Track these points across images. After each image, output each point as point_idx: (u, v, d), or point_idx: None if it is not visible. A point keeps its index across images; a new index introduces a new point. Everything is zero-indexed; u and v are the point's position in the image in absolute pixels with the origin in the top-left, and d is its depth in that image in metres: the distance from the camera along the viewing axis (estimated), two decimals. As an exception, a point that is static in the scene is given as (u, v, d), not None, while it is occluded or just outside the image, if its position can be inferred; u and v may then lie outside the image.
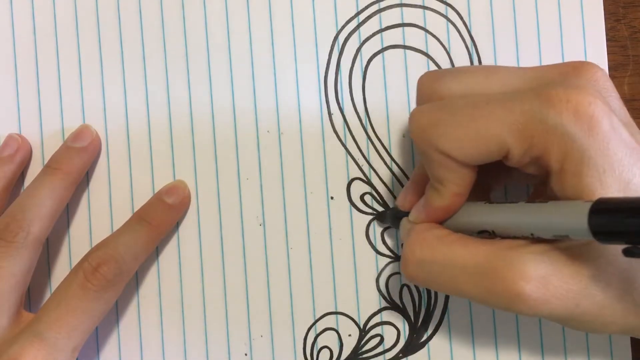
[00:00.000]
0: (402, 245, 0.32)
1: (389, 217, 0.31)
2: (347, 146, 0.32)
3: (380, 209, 0.32)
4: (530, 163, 0.23)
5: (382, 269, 0.32)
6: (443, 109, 0.24)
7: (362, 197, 0.32)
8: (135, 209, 0.32)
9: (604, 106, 0.22)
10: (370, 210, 0.32)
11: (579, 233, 0.20)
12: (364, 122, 0.33)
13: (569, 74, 0.24)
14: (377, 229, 0.32)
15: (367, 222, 0.32)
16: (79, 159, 0.31)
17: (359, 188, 0.32)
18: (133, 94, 0.33)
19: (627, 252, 0.19)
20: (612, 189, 0.21)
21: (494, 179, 0.28)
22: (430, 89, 0.26)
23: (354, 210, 0.32)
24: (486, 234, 0.25)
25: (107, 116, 0.33)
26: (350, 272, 0.32)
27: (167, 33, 0.33)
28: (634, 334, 0.24)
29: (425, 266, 0.24)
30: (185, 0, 0.33)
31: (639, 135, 0.23)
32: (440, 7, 0.32)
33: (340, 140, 0.32)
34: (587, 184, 0.21)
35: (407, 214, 0.28)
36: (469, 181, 0.24)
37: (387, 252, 0.32)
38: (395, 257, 0.32)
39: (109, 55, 0.33)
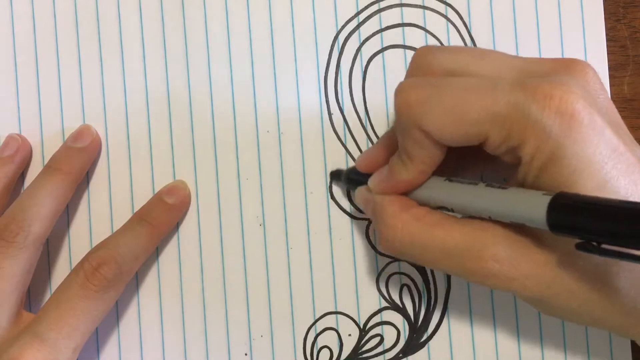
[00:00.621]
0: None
1: (344, 177, 0.31)
2: (347, 146, 0.32)
3: (380, 209, 0.32)
4: (506, 152, 0.23)
5: (382, 269, 0.32)
6: (431, 88, 0.24)
7: (362, 197, 0.32)
8: (136, 209, 0.32)
9: (588, 106, 0.22)
10: (370, 210, 0.32)
11: (535, 223, 0.21)
12: (364, 122, 0.33)
13: (559, 70, 0.24)
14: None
15: (367, 222, 0.32)
16: (80, 159, 0.31)
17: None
18: (133, 94, 0.33)
19: (579, 247, 0.20)
20: (584, 188, 0.21)
21: (466, 163, 0.28)
22: (423, 60, 0.26)
23: (353, 210, 0.32)
24: (446, 210, 0.25)
25: (107, 116, 0.33)
26: (350, 272, 0.32)
27: (167, 33, 0.33)
28: (605, 327, 0.24)
29: (405, 246, 0.25)
30: (186, 0, 0.33)
31: (627, 137, 0.24)
32: (440, 7, 0.32)
33: (340, 140, 0.32)
34: (551, 180, 0.22)
35: (363, 177, 0.28)
36: (437, 160, 0.25)
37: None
38: (395, 258, 0.32)
39: (109, 55, 0.33)
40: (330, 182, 0.32)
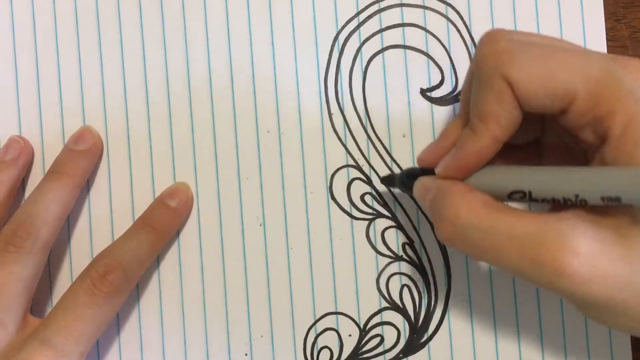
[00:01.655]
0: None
1: (400, 178, 0.29)
2: (347, 146, 0.32)
3: (380, 209, 0.32)
4: (586, 124, 0.22)
5: (383, 269, 0.32)
6: (522, 39, 0.23)
7: (362, 197, 0.32)
8: (136, 210, 0.32)
9: None
10: (370, 210, 0.32)
11: (635, 197, 0.20)
12: (364, 122, 0.33)
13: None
14: (377, 230, 0.32)
15: (367, 222, 0.32)
16: (83, 162, 0.31)
17: (359, 188, 0.32)
18: (133, 95, 0.33)
19: None
20: None
21: (529, 153, 0.27)
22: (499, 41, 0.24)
23: (354, 210, 0.32)
24: (519, 195, 0.23)
25: (107, 117, 0.33)
26: (350, 272, 0.32)
27: (167, 34, 0.33)
28: None
29: (468, 230, 0.23)
30: (186, 0, 0.33)
31: None
32: (441, 7, 0.32)
33: (340, 140, 0.32)
34: None
35: (421, 173, 0.27)
36: (511, 125, 0.23)
37: (387, 252, 0.32)
38: (396, 257, 0.32)
39: (109, 56, 0.33)
40: (331, 180, 0.32)
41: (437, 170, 0.26)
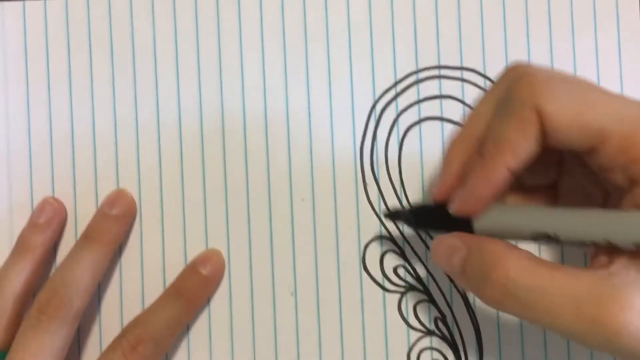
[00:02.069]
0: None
1: (410, 215, 0.27)
2: (382, 218, 0.32)
3: (413, 282, 0.32)
4: (617, 166, 0.22)
5: (414, 344, 0.32)
6: (560, 74, 0.23)
7: (395, 270, 0.32)
8: (167, 276, 0.32)
9: None
10: (403, 283, 0.32)
11: None
12: (399, 194, 0.32)
13: None
14: (409, 303, 0.32)
15: (399, 295, 0.32)
16: (116, 228, 0.31)
17: (392, 260, 0.32)
18: (167, 159, 0.33)
19: None
20: None
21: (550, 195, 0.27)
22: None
23: (386, 282, 0.32)
24: (544, 239, 0.23)
25: (140, 180, 0.33)
26: (381, 345, 0.32)
27: (204, 98, 0.33)
28: None
29: (519, 290, 0.22)
30: (223, 65, 0.33)
31: None
32: (479, 80, 0.32)
33: (374, 211, 0.32)
34: None
35: (433, 209, 0.26)
36: (526, 160, 0.23)
37: (419, 327, 0.32)
38: (427, 332, 0.32)
39: (144, 119, 0.33)
40: (364, 251, 0.32)
41: (451, 208, 0.25)
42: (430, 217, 0.27)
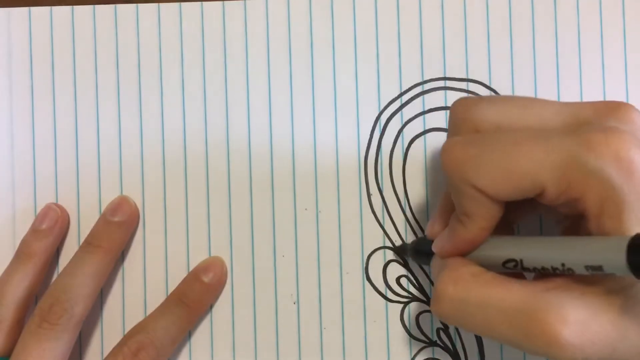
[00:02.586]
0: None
1: (411, 250, 0.31)
2: (385, 228, 0.32)
3: (416, 292, 0.32)
4: (564, 204, 0.23)
5: (416, 354, 0.32)
6: (479, 144, 0.24)
7: (397, 280, 0.32)
8: (170, 283, 0.32)
9: None
10: (405, 294, 0.32)
11: (614, 266, 0.21)
12: (403, 204, 0.32)
13: (604, 114, 0.24)
14: (412, 313, 0.32)
15: (402, 305, 0.32)
16: (119, 234, 0.31)
17: (395, 270, 0.32)
18: (171, 166, 0.32)
19: None
20: None
21: (521, 213, 0.28)
22: (464, 115, 0.26)
23: (389, 292, 0.32)
24: (512, 263, 0.24)
25: (144, 187, 0.33)
26: (383, 355, 0.32)
27: (209, 106, 0.33)
28: None
29: (459, 305, 0.24)
30: (228, 72, 0.33)
31: None
32: (484, 92, 0.32)
33: (378, 221, 0.32)
34: (627, 228, 0.21)
35: (428, 246, 0.28)
36: (497, 216, 0.24)
37: (421, 337, 0.32)
38: (429, 342, 0.32)
39: (148, 126, 0.33)
40: (367, 261, 0.32)
41: (434, 250, 0.27)
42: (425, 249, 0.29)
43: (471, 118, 0.25)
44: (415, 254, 0.31)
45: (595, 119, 0.23)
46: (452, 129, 0.26)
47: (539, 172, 0.22)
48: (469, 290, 0.24)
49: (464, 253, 0.26)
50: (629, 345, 0.22)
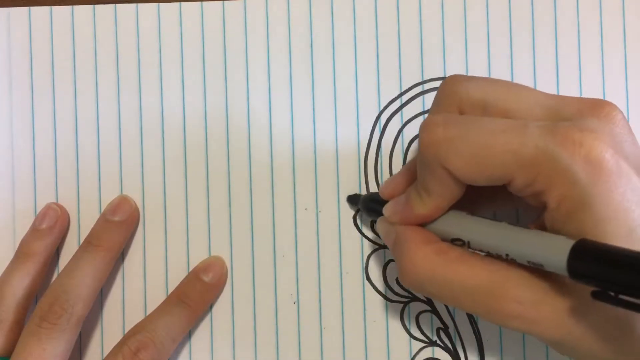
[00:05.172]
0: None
1: (363, 204, 0.31)
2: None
3: (416, 292, 0.32)
4: (529, 195, 0.23)
5: (416, 354, 0.32)
6: (458, 126, 0.24)
7: (397, 280, 0.32)
8: (170, 282, 0.32)
9: (615, 153, 0.22)
10: (405, 294, 0.32)
11: (554, 267, 0.21)
12: (403, 204, 0.32)
13: (587, 112, 0.24)
14: (412, 313, 0.32)
15: (402, 305, 0.32)
16: (119, 234, 0.31)
17: (395, 270, 0.32)
18: (171, 166, 0.33)
19: (595, 295, 0.20)
20: (611, 236, 0.21)
21: (486, 195, 0.28)
22: (452, 90, 0.26)
23: (389, 292, 0.32)
24: (459, 242, 0.25)
25: (144, 187, 0.33)
26: (383, 354, 0.32)
27: (209, 107, 0.33)
28: None
29: (426, 280, 0.25)
30: (229, 72, 0.33)
31: None
32: (484, 92, 0.32)
33: (378, 221, 0.32)
34: (577, 228, 0.22)
35: (381, 203, 0.28)
36: (456, 197, 0.25)
37: (421, 337, 0.32)
38: (430, 342, 0.32)
39: (148, 126, 0.33)
40: (367, 261, 0.32)
41: (385, 214, 0.27)
42: (376, 209, 0.29)
43: (457, 94, 0.26)
44: (366, 207, 0.31)
45: (577, 116, 0.24)
46: (436, 103, 0.27)
47: (511, 163, 0.22)
48: (435, 269, 0.24)
49: (413, 224, 0.26)
50: (583, 330, 0.22)
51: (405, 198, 0.27)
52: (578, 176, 0.21)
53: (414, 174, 0.27)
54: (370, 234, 0.32)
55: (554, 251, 0.21)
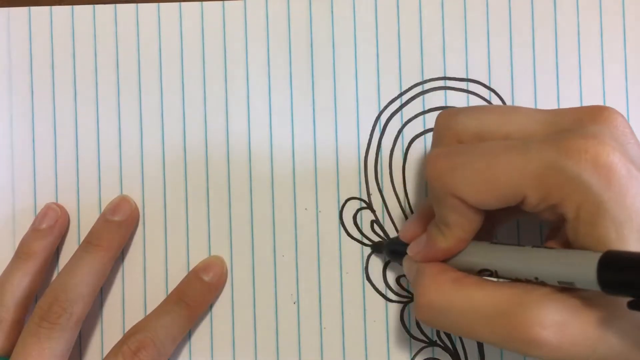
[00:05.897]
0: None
1: (386, 249, 0.31)
2: (385, 228, 0.32)
3: (416, 292, 0.32)
4: (545, 210, 0.23)
5: (416, 354, 0.32)
6: (461, 154, 0.24)
7: (397, 280, 0.32)
8: (170, 282, 0.32)
9: (622, 156, 0.22)
10: (405, 293, 0.32)
11: (585, 283, 0.21)
12: (403, 204, 0.32)
13: (586, 119, 0.24)
14: (412, 313, 0.32)
15: (402, 305, 0.32)
16: (119, 234, 0.31)
17: (395, 270, 0.32)
18: (171, 166, 0.33)
19: (631, 305, 0.20)
20: (630, 240, 0.21)
21: (504, 217, 0.28)
22: (445, 126, 0.26)
23: (389, 292, 0.32)
24: (487, 273, 0.25)
25: (144, 186, 0.33)
26: (383, 354, 0.32)
27: (209, 107, 0.33)
28: None
29: (441, 311, 0.24)
30: (229, 78, 0.33)
31: None
32: (484, 92, 0.32)
33: (378, 221, 0.32)
34: (602, 235, 0.21)
35: (405, 247, 0.28)
36: (476, 226, 0.25)
37: (422, 337, 0.32)
38: (430, 342, 0.32)
39: (148, 126, 0.33)
40: (367, 261, 0.32)
41: (409, 254, 0.27)
42: (399, 251, 0.29)
43: (453, 128, 0.26)
44: (390, 253, 0.31)
45: (577, 125, 0.23)
46: (436, 140, 0.27)
47: (520, 181, 0.22)
48: (450, 298, 0.24)
49: (439, 261, 0.26)
50: (609, 347, 0.22)
51: (426, 236, 0.26)
52: (590, 182, 0.21)
53: (427, 214, 0.27)
54: (370, 235, 0.32)
55: (583, 267, 0.21)
